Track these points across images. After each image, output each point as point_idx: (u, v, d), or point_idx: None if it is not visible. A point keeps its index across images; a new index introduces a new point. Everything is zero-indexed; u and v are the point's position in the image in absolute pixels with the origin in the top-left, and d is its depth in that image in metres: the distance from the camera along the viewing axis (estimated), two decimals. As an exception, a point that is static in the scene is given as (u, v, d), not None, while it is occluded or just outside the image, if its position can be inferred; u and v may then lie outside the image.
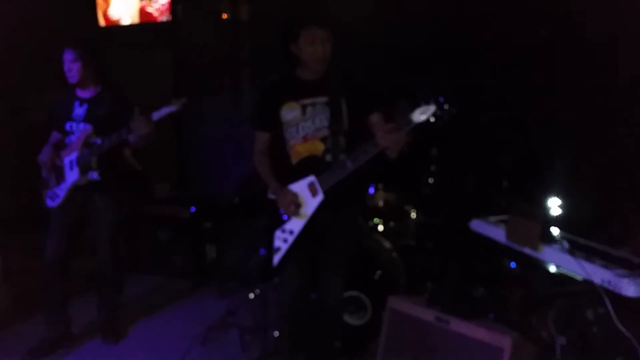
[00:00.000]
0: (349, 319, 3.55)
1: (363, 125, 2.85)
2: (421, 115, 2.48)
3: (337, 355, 3.28)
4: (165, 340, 3.81)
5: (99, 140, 3.46)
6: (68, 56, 3.50)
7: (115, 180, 3.63)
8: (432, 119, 2.47)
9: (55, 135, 3.67)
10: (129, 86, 3.93)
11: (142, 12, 5.64)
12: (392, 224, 4.15)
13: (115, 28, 5.74)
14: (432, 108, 2.46)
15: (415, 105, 2.49)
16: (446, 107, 2.46)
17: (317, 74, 2.82)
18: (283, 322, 3.08)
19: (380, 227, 4.12)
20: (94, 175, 3.55)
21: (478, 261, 3.69)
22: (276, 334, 3.39)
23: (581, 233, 2.80)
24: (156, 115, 3.26)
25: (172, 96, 3.31)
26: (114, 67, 4.50)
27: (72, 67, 3.50)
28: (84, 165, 3.51)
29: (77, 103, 3.58)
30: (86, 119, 3.54)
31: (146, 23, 5.64)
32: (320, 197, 2.76)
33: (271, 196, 2.90)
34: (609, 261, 2.48)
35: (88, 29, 5.63)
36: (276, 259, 2.84)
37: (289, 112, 2.83)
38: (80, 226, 3.67)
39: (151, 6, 5.61)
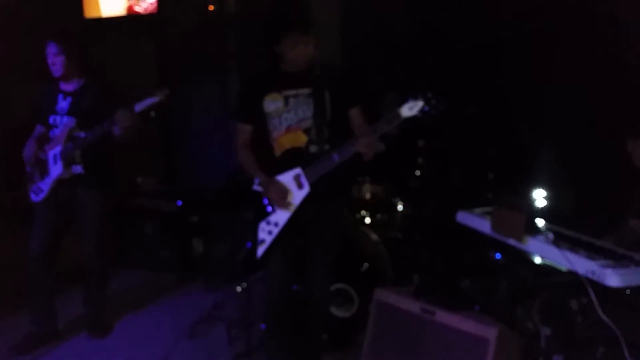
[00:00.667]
0: (335, 311, 3.55)
1: (345, 116, 2.86)
2: (409, 110, 2.51)
3: (324, 348, 3.29)
4: (151, 335, 3.80)
5: (82, 134, 3.43)
6: (51, 49, 3.46)
7: (100, 173, 3.60)
8: (420, 115, 2.50)
9: (39, 129, 3.63)
10: (114, 78, 3.90)
11: (130, 9, 5.60)
12: (379, 216, 4.15)
13: (100, 20, 5.68)
14: (420, 103, 2.49)
15: (404, 100, 2.51)
16: (434, 102, 2.49)
17: (300, 68, 2.81)
18: (270, 315, 3.07)
19: (368, 220, 4.12)
20: (78, 169, 3.52)
21: (464, 253, 3.70)
22: (263, 327, 3.38)
23: (566, 224, 2.81)
24: (139, 107, 3.23)
25: (154, 87, 3.29)
26: (99, 59, 4.48)
27: (55, 60, 3.46)
28: (68, 159, 3.48)
29: (60, 96, 3.55)
30: (70, 112, 3.50)
31: (132, 15, 5.59)
32: (306, 189, 2.76)
33: (257, 188, 2.88)
34: (593, 252, 2.49)
35: (73, 20, 5.56)
36: (260, 251, 2.84)
37: (272, 104, 2.82)
38: (65, 221, 3.63)
39: (139, 5, 5.56)
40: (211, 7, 5.37)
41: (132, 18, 5.60)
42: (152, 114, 3.29)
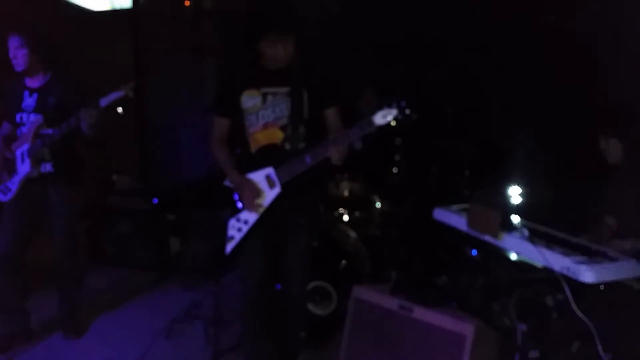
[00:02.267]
0: (314, 308, 3.55)
1: (322, 116, 2.87)
2: (383, 118, 2.53)
3: (303, 345, 3.28)
4: (128, 334, 3.75)
5: (50, 131, 3.36)
6: (13, 43, 3.37)
7: (70, 171, 3.53)
8: (394, 123, 2.52)
9: (5, 127, 3.54)
10: (89, 73, 3.83)
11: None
12: (357, 213, 4.16)
13: (76, 14, 5.57)
14: (393, 112, 2.51)
15: (378, 108, 2.53)
16: (407, 112, 2.51)
17: (280, 66, 2.79)
18: (247, 314, 3.05)
19: (346, 217, 4.12)
20: (47, 167, 3.45)
21: (441, 250, 3.73)
22: (241, 325, 3.37)
23: (541, 221, 2.85)
24: (104, 102, 3.17)
25: (134, 85, 3.24)
26: (74, 53, 4.39)
27: (17, 53, 3.37)
28: (36, 157, 3.41)
29: (26, 93, 3.47)
30: (36, 110, 3.43)
31: (108, 10, 5.50)
32: (277, 189, 2.76)
33: (228, 184, 2.87)
34: (567, 248, 2.53)
35: (47, 15, 5.46)
36: (229, 247, 2.83)
37: (249, 100, 2.81)
38: (35, 220, 3.56)
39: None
40: (187, 2, 5.32)
41: (108, 12, 5.51)
42: (120, 109, 3.23)
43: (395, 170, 4.19)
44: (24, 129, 3.44)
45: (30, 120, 3.43)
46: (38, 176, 3.43)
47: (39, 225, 3.59)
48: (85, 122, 3.19)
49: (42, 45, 3.44)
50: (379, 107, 2.52)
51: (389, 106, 2.51)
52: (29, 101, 3.45)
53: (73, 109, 3.22)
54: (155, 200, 4.80)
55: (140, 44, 5.51)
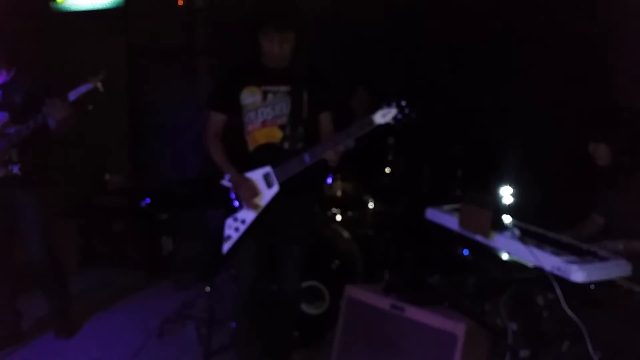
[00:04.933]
0: (307, 308, 3.55)
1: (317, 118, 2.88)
2: (382, 117, 2.54)
3: (295, 345, 3.29)
4: (120, 334, 3.74)
5: (13, 129, 3.21)
6: None
7: (39, 171, 3.39)
8: (393, 122, 2.53)
9: None
10: (81, 73, 3.80)
11: None
12: (350, 213, 4.16)
13: (67, 13, 5.55)
14: (393, 111, 2.52)
15: (377, 107, 2.53)
16: (407, 111, 2.52)
17: (281, 64, 2.80)
18: (240, 313, 3.06)
19: (339, 217, 4.13)
20: (15, 169, 3.29)
21: (433, 249, 3.74)
22: (233, 325, 3.37)
23: (532, 221, 2.86)
24: (73, 95, 3.06)
25: (126, 84, 3.20)
26: (66, 53, 4.37)
27: None
28: (2, 159, 3.25)
29: None
30: (1, 107, 3.26)
31: (100, 9, 5.48)
32: (275, 188, 2.76)
33: (225, 183, 2.86)
34: (558, 248, 2.54)
35: (39, 14, 5.43)
36: (226, 247, 2.82)
37: (249, 96, 2.81)
38: (6, 223, 3.42)
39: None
40: (180, 2, 5.30)
41: (100, 11, 5.49)
42: (90, 107, 3.10)
43: (387, 170, 4.20)
44: None
45: None
46: (4, 177, 3.27)
47: (13, 227, 3.44)
48: (53, 117, 3.06)
49: (4, 40, 3.28)
50: (379, 106, 2.53)
51: (389, 105, 2.52)
52: None
53: (41, 105, 3.09)
54: (148, 200, 4.78)
55: (132, 43, 5.49)
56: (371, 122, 2.55)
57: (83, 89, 3.09)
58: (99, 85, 3.10)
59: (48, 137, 3.32)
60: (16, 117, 3.24)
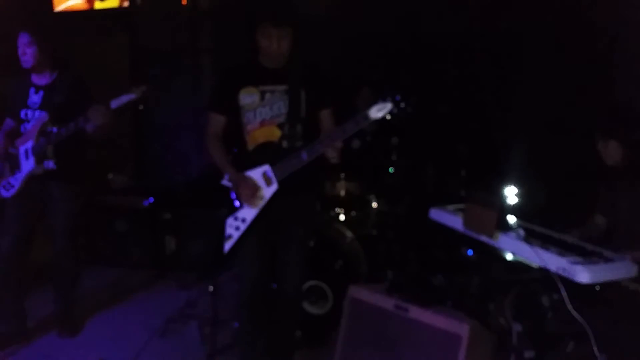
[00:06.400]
0: (310, 308, 3.55)
1: (317, 116, 2.88)
2: (378, 112, 2.53)
3: (298, 345, 3.28)
4: (123, 333, 3.74)
5: (55, 129, 3.35)
6: (22, 40, 3.39)
7: (73, 169, 3.53)
8: (389, 117, 2.52)
9: (8, 123, 3.54)
10: (86, 73, 3.81)
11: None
12: (353, 213, 4.15)
13: (71, 13, 5.56)
14: (388, 106, 2.52)
15: (373, 102, 2.52)
16: (402, 105, 2.51)
17: (278, 63, 2.81)
18: (243, 313, 3.05)
19: (342, 217, 4.12)
20: (50, 164, 3.44)
21: (437, 250, 3.73)
22: (236, 325, 3.36)
23: (536, 221, 2.85)
24: (115, 104, 3.17)
25: (130, 83, 3.23)
26: (71, 53, 4.38)
27: (26, 51, 3.39)
28: (39, 154, 3.40)
29: (32, 90, 3.48)
30: (42, 107, 3.43)
31: (104, 9, 5.48)
32: (274, 186, 2.76)
33: (225, 183, 2.87)
34: (563, 249, 2.53)
35: (43, 13, 5.44)
36: (227, 246, 2.83)
37: (247, 97, 2.82)
38: (36, 217, 3.56)
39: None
40: (184, 2, 5.30)
41: (104, 12, 5.49)
42: (141, 107, 3.27)
43: (391, 170, 4.19)
44: (29, 126, 3.44)
45: (35, 117, 3.43)
46: (41, 173, 3.43)
47: (39, 222, 3.58)
48: (94, 122, 3.20)
49: (50, 43, 3.45)
50: (374, 102, 2.53)
51: (384, 100, 2.52)
52: (35, 98, 3.46)
53: (79, 108, 3.22)
54: (151, 199, 4.79)
55: (137, 43, 5.49)
56: (366, 117, 2.54)
57: (125, 98, 3.18)
58: (142, 95, 3.19)
59: (83, 139, 3.43)
60: (54, 117, 3.38)
